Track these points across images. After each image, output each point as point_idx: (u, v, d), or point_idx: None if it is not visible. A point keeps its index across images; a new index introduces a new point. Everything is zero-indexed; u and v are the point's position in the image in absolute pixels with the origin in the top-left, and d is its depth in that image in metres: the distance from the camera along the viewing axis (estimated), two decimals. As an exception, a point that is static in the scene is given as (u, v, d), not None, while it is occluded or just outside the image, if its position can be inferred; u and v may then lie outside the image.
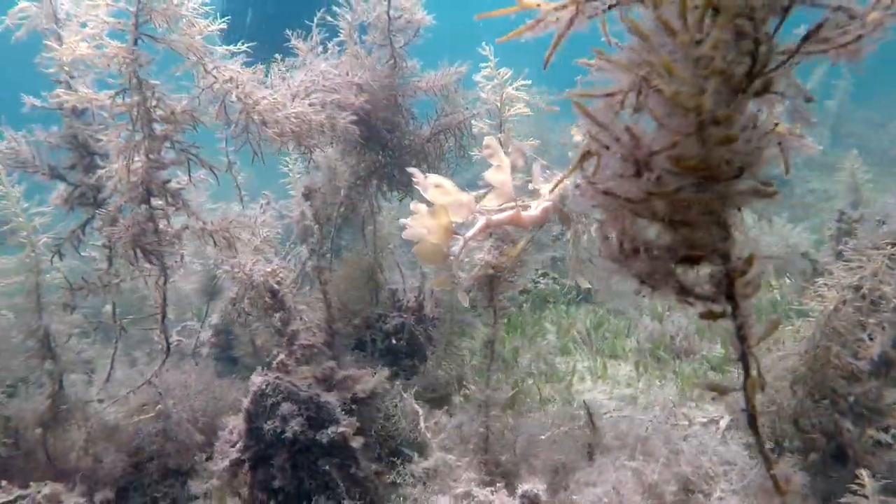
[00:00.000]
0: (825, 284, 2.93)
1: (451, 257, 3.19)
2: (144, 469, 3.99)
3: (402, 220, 3.22)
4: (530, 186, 3.45)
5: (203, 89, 2.84)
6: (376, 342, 5.02)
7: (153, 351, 6.19)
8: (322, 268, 4.09)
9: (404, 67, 4.15)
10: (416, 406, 3.41)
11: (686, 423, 3.59)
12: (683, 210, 1.07)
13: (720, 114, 1.00)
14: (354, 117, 3.53)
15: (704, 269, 1.15)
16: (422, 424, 3.24)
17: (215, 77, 2.80)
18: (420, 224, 3.07)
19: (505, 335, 5.55)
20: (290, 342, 3.90)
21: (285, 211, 6.26)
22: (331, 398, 3.43)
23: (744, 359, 1.15)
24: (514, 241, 3.41)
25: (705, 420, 3.52)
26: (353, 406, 3.53)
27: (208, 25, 2.72)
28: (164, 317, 3.37)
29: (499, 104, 3.49)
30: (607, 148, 1.09)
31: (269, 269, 3.96)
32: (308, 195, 3.87)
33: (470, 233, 3.18)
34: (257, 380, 3.46)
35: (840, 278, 2.87)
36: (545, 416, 3.47)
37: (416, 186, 3.25)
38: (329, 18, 4.15)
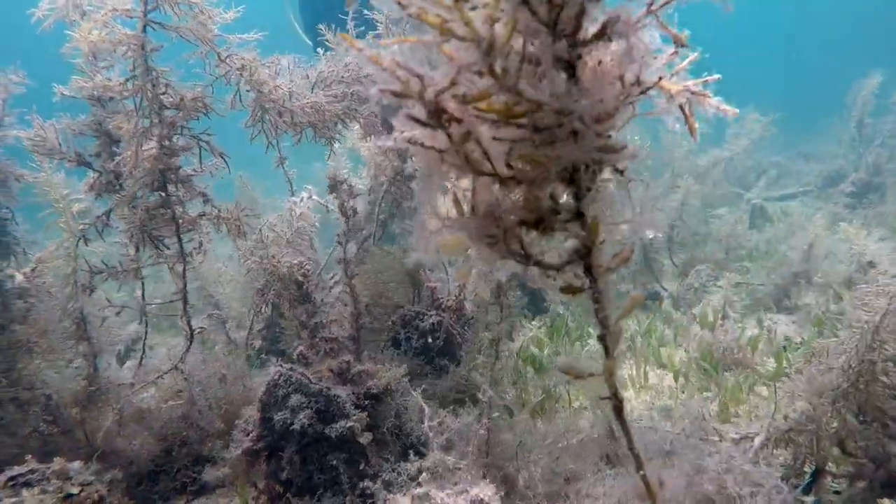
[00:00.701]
0: (872, 291, 2.61)
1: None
2: (175, 454, 4.09)
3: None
4: None
5: (216, 77, 2.85)
6: (411, 340, 4.95)
7: (207, 340, 6.40)
8: (348, 261, 4.05)
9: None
10: (423, 404, 3.31)
11: (717, 438, 3.31)
12: (524, 167, 0.94)
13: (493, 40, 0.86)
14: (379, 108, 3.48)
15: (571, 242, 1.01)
16: (426, 423, 3.13)
17: (228, 66, 2.81)
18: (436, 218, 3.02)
19: (546, 339, 5.36)
20: (312, 334, 3.89)
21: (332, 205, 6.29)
22: (342, 392, 3.38)
23: (603, 340, 1.02)
24: None
25: (738, 437, 3.23)
26: (367, 402, 3.47)
27: (220, 13, 2.74)
28: (185, 303, 3.42)
29: None
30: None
31: (295, 262, 3.97)
32: (333, 187, 3.84)
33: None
34: (272, 370, 3.46)
35: (889, 285, 2.55)
36: (564, 422, 3.29)
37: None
38: (367, 12, 4.12)
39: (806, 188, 12.37)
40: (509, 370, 4.82)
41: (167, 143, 2.77)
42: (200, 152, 2.91)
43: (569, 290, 1.05)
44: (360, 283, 4.28)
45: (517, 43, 0.95)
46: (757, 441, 3.14)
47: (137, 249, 3.37)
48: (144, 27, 2.59)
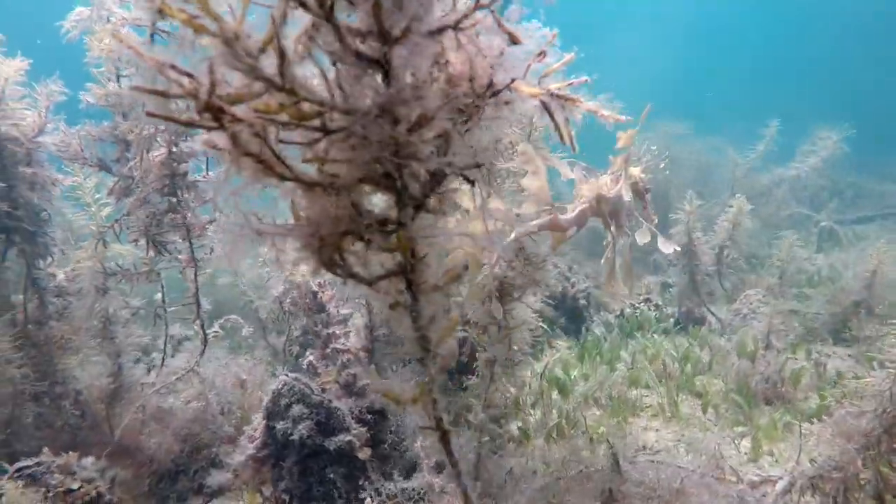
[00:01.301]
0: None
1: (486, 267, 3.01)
2: (195, 455, 4.16)
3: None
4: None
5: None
6: (435, 354, 4.88)
7: (242, 345, 6.54)
8: (364, 272, 4.03)
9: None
10: (419, 421, 3.22)
11: (734, 479, 3.07)
12: (329, 173, 0.86)
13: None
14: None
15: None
16: (418, 443, 3.05)
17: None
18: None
19: (576, 361, 5.18)
20: (324, 345, 3.88)
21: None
22: (343, 405, 3.34)
23: (423, 363, 0.92)
24: (534, 255, 3.13)
25: (759, 479, 2.98)
26: (370, 416, 3.42)
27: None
28: (198, 308, 3.47)
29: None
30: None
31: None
32: (350, 198, 3.84)
33: (505, 242, 2.98)
34: (279, 379, 3.46)
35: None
36: (570, 450, 3.13)
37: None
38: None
39: (888, 210, 11.56)
40: (533, 391, 4.68)
41: (174, 148, 2.82)
42: (208, 160, 2.95)
43: (393, 306, 0.96)
44: (378, 294, 4.26)
45: (301, 40, 0.88)
46: (779, 486, 2.89)
47: (153, 252, 3.44)
48: (152, 35, 2.65)
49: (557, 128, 1.07)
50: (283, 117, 0.88)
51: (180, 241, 3.09)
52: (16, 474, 2.99)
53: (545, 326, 5.75)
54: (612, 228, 3.16)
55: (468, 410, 4.13)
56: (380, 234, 0.95)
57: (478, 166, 1.04)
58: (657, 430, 4.24)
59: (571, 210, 3.14)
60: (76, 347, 4.16)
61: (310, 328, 3.94)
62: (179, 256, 3.23)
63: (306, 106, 0.89)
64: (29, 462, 3.08)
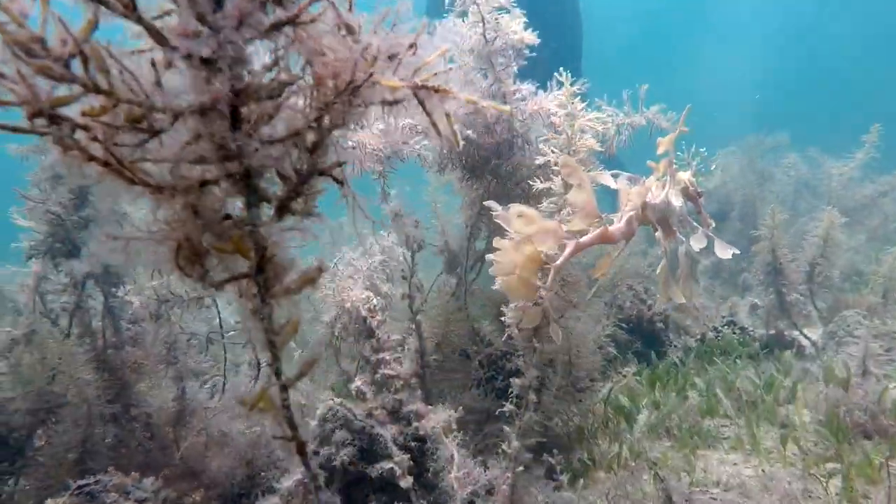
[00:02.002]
0: None
1: (542, 290, 2.92)
2: (254, 479, 4.22)
3: (489, 257, 3.04)
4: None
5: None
6: (495, 380, 4.75)
7: (314, 371, 6.64)
8: (413, 297, 3.98)
9: (509, 91, 3.92)
10: (454, 451, 3.10)
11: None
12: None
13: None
14: (427, 142, 3.41)
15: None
16: (452, 474, 2.92)
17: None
18: (506, 258, 2.86)
19: (647, 388, 4.88)
20: (373, 370, 3.84)
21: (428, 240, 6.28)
22: (386, 431, 3.28)
23: (274, 368, 0.84)
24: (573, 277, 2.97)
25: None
26: (414, 443, 3.33)
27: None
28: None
29: (569, 134, 3.15)
30: None
31: (362, 296, 3.98)
32: (395, 220, 3.82)
33: (560, 261, 2.91)
34: (324, 404, 3.45)
35: None
36: (614, 484, 2.92)
37: (496, 221, 3.07)
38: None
39: None
40: (598, 420, 4.44)
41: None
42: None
43: (252, 312, 0.90)
44: (428, 320, 4.19)
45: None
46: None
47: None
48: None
49: (433, 124, 0.97)
50: (116, 120, 0.85)
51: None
52: (76, 491, 3.13)
53: (614, 351, 5.48)
54: (662, 235, 3.01)
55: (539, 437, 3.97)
56: (230, 237, 0.89)
57: (339, 165, 0.96)
58: (735, 464, 3.90)
59: (618, 219, 3.01)
60: (147, 372, 4.36)
61: (359, 353, 3.93)
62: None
63: (133, 107, 0.85)
64: (89, 480, 3.21)
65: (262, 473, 4.19)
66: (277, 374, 0.94)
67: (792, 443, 3.81)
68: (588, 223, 2.92)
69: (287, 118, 0.94)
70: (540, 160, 3.28)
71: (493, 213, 3.10)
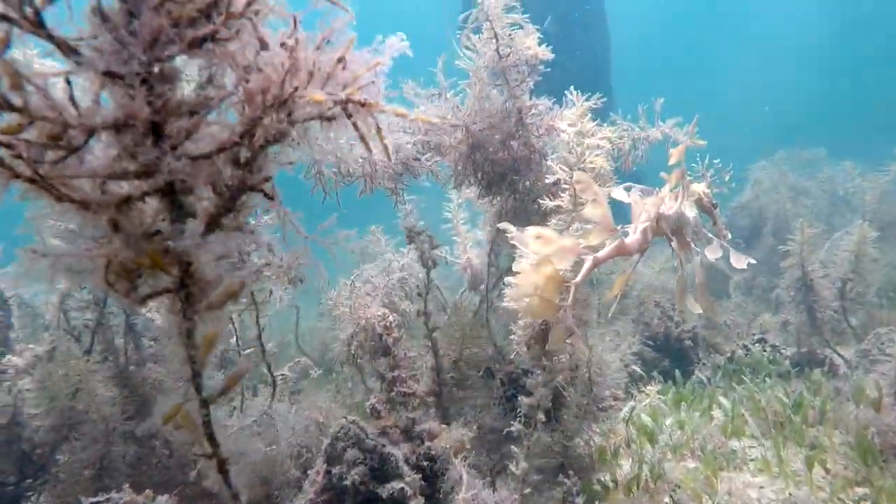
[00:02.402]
0: None
1: (564, 307, 2.88)
2: (274, 500, 4.20)
3: (507, 279, 3.01)
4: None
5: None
6: (515, 399, 4.67)
7: (342, 389, 6.64)
8: (428, 314, 3.95)
9: (524, 106, 3.90)
10: (463, 473, 3.03)
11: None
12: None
13: None
14: (439, 158, 3.40)
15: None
16: (460, 495, 2.86)
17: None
18: (526, 281, 2.84)
19: (671, 406, 4.75)
20: (389, 388, 3.81)
21: (451, 257, 6.26)
22: (397, 451, 3.24)
23: (194, 383, 0.81)
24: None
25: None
26: (426, 463, 3.28)
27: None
28: (263, 352, 3.55)
29: (578, 152, 3.12)
30: None
31: (378, 313, 3.96)
32: (411, 238, 3.80)
33: (580, 277, 2.89)
34: (337, 422, 3.43)
35: None
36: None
37: (511, 242, 3.06)
38: (457, 63, 4.11)
39: None
40: (620, 440, 4.33)
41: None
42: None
43: (178, 327, 0.88)
44: (445, 338, 4.15)
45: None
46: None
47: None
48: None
49: (362, 137, 0.95)
50: (37, 136, 0.84)
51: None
52: (88, 510, 3.14)
53: (639, 370, 5.36)
54: (676, 246, 2.97)
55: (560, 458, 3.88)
56: (155, 252, 0.87)
57: (266, 180, 0.94)
58: (761, 487, 3.75)
59: (633, 231, 2.98)
60: (167, 389, 4.39)
61: (375, 371, 3.90)
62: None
63: (50, 124, 0.84)
64: (101, 498, 3.22)
65: (277, 493, 4.17)
66: (198, 389, 0.91)
67: (819, 465, 3.65)
68: (605, 237, 2.90)
69: (213, 134, 0.93)
70: (550, 178, 3.24)
71: (509, 235, 3.08)
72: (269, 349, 3.60)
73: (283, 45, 0.93)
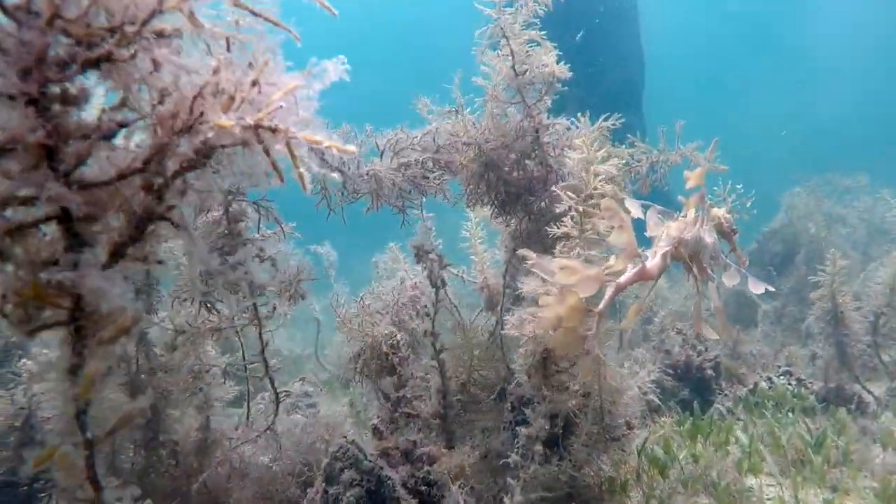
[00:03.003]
0: None
1: (590, 337, 2.84)
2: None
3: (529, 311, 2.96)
4: (646, 233, 3.01)
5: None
6: (526, 424, 4.55)
7: (358, 406, 6.60)
8: (436, 334, 3.89)
9: (542, 125, 3.83)
10: (460, 500, 2.94)
11: None
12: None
13: None
14: (449, 177, 3.35)
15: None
16: (454, 524, 2.77)
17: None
18: (551, 313, 2.79)
19: (686, 438, 4.58)
20: (393, 408, 3.75)
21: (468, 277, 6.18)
22: (394, 474, 3.17)
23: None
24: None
25: None
26: (424, 487, 3.20)
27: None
28: (266, 366, 3.52)
29: (585, 177, 3.05)
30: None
31: (385, 332, 3.91)
32: (419, 256, 3.75)
33: (602, 305, 2.85)
34: (336, 441, 3.38)
35: None
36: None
37: (532, 270, 3.01)
38: (475, 79, 4.07)
39: None
40: (631, 472, 4.19)
41: (230, 207, 2.92)
42: (259, 218, 3.02)
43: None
44: (453, 359, 4.07)
45: None
46: None
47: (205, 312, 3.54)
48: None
49: (273, 164, 0.89)
50: None
51: (234, 300, 3.17)
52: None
53: (656, 399, 5.20)
54: (695, 271, 2.91)
55: (547, 489, 3.75)
56: (38, 284, 0.83)
57: (171, 209, 0.89)
58: (779, 529, 3.58)
59: (652, 255, 2.93)
60: (175, 400, 4.40)
61: (380, 390, 3.85)
62: (244, 314, 3.31)
63: None
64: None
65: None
66: (82, 428, 0.86)
67: (841, 510, 3.47)
68: (629, 263, 2.85)
69: (112, 159, 0.89)
70: (560, 208, 3.15)
71: (528, 263, 3.04)
72: (273, 365, 3.56)
73: (211, 68, 0.89)
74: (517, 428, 4.51)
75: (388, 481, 3.12)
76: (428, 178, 3.31)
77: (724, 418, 5.06)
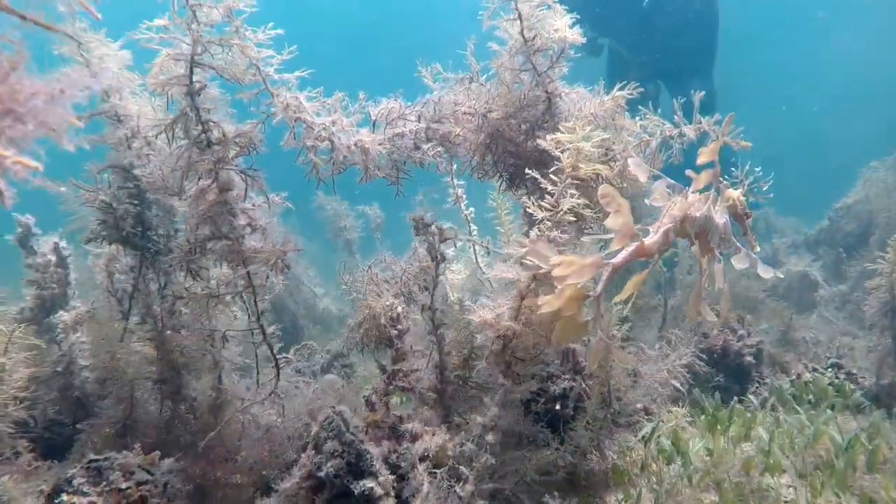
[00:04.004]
0: None
1: (591, 322, 2.81)
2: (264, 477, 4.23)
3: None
4: (648, 201, 2.90)
5: (266, 115, 2.93)
6: (535, 403, 4.44)
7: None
8: (434, 309, 3.80)
9: (554, 93, 3.63)
10: (424, 482, 2.88)
11: None
12: None
13: None
14: (451, 145, 3.23)
15: None
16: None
17: (275, 104, 2.87)
18: (550, 307, 2.75)
19: (703, 429, 4.36)
20: (388, 381, 3.72)
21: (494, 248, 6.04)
22: (374, 448, 3.15)
23: None
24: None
25: None
26: (404, 464, 3.17)
27: (263, 52, 2.81)
28: (264, 334, 3.56)
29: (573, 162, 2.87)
30: None
31: (386, 303, 3.87)
32: (418, 229, 3.66)
33: (599, 287, 2.83)
34: (324, 411, 3.39)
35: None
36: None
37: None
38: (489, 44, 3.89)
39: None
40: (637, 463, 4.03)
41: (218, 175, 2.92)
42: (246, 187, 3.01)
43: None
44: (455, 332, 3.98)
45: None
46: None
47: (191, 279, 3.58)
48: (191, 68, 2.77)
49: None
50: None
51: (226, 267, 3.19)
52: (87, 465, 3.29)
53: (677, 385, 4.96)
54: (698, 249, 2.79)
55: (544, 473, 3.66)
56: None
57: None
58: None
59: (654, 231, 2.82)
60: (192, 358, 4.54)
61: (378, 362, 3.82)
62: (239, 282, 3.34)
63: None
64: (101, 457, 3.36)
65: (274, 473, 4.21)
66: None
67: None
68: (625, 244, 2.75)
69: None
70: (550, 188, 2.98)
71: (523, 249, 3.01)
72: (271, 332, 3.60)
73: None
74: (528, 404, 4.43)
75: (367, 455, 3.11)
76: (420, 147, 3.18)
77: (755, 410, 4.77)
